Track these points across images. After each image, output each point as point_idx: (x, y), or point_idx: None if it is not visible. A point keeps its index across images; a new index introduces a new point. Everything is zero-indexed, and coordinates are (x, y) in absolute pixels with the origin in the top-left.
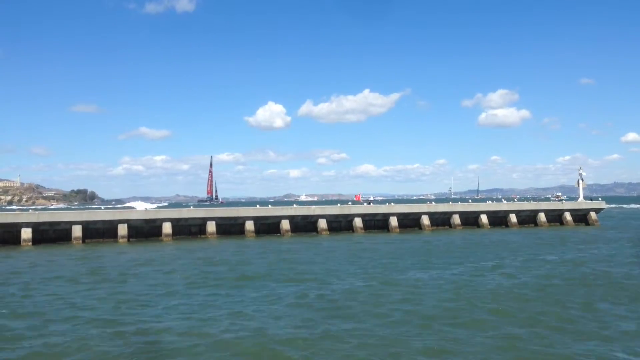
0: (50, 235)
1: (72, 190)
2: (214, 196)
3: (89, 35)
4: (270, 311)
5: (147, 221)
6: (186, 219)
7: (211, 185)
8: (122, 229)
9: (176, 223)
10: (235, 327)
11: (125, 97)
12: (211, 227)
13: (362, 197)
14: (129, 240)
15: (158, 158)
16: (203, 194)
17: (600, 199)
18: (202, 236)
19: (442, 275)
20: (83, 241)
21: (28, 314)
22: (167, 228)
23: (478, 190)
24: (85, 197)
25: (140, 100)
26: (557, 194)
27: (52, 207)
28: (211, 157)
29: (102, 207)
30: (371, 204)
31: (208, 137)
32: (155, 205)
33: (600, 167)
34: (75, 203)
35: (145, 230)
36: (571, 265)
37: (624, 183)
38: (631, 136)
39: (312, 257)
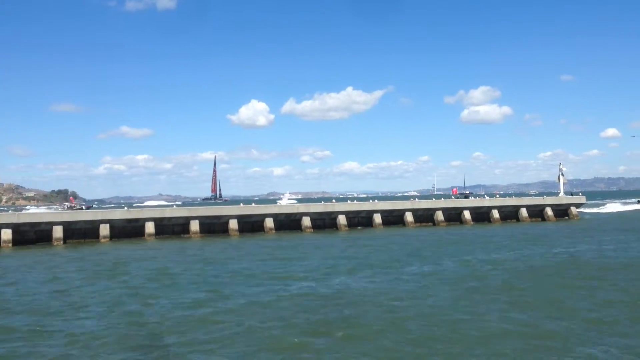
0: (31, 236)
1: (53, 191)
2: (217, 195)
3: (69, 34)
4: (267, 308)
5: (129, 221)
6: (169, 219)
7: (215, 183)
8: (104, 229)
9: (159, 222)
10: (234, 326)
11: (105, 96)
12: (194, 226)
13: (459, 192)
14: (111, 240)
15: (140, 157)
16: (186, 193)
17: (580, 193)
18: (185, 235)
19: (435, 270)
20: (64, 242)
21: (26, 313)
22: (149, 227)
23: (464, 187)
24: (66, 198)
25: (120, 99)
26: None
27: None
28: (215, 156)
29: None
30: (470, 197)
31: (190, 135)
32: (294, 200)
33: (580, 162)
34: (66, 204)
35: (127, 230)
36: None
37: (604, 178)
38: (610, 132)
39: (301, 255)
